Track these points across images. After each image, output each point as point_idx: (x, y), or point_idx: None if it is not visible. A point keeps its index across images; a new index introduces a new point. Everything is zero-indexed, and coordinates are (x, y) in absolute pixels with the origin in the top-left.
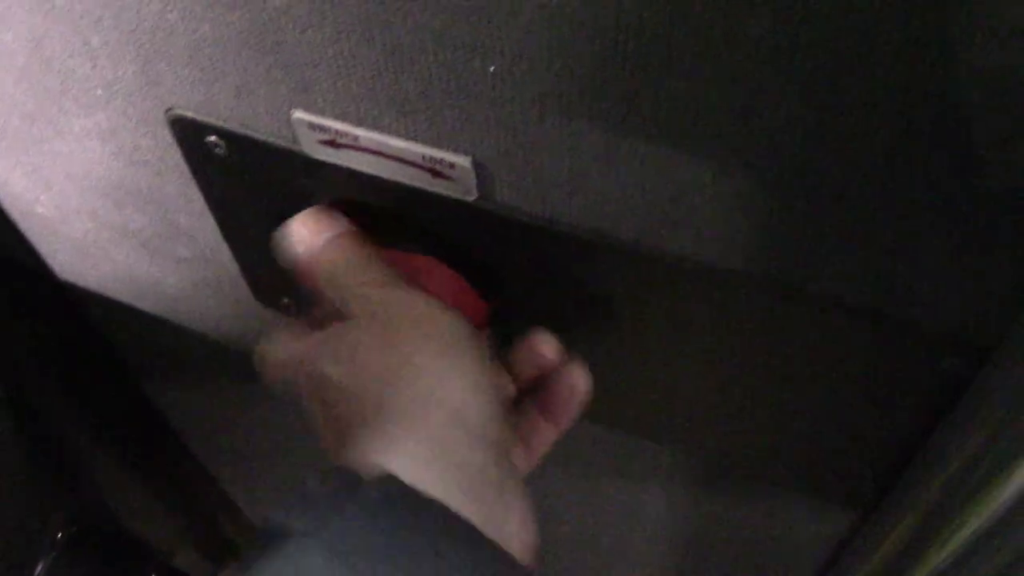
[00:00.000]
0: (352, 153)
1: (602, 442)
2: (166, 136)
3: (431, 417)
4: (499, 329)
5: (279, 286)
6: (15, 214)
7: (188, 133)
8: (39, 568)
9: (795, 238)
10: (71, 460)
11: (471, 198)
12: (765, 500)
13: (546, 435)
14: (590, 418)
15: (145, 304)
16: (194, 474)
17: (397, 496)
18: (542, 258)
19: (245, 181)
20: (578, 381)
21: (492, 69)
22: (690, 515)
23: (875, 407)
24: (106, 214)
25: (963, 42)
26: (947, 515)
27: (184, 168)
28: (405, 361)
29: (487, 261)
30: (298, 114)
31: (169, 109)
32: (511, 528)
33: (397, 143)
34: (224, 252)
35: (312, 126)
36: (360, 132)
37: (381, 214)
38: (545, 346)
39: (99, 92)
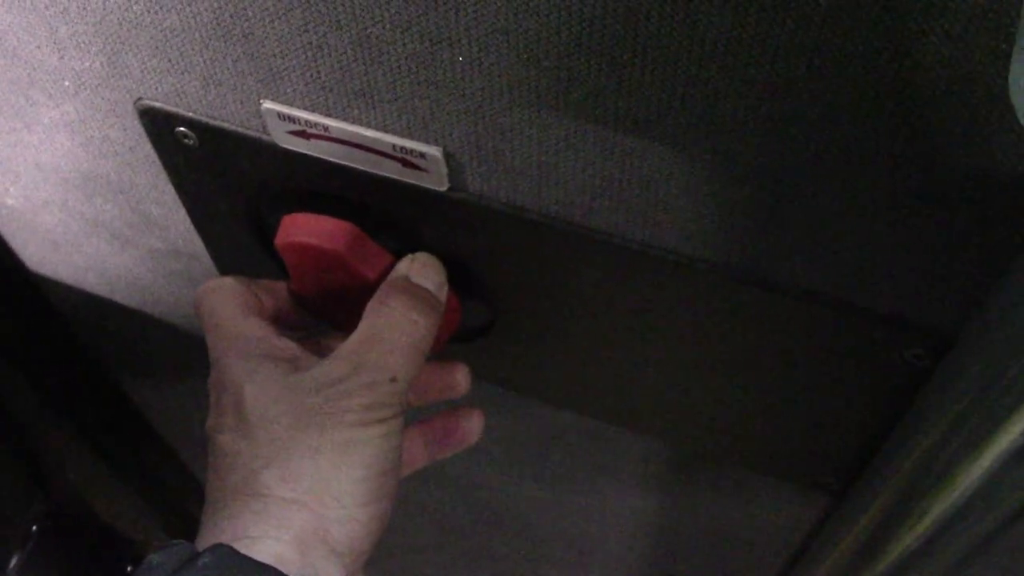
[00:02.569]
0: (322, 143)
1: (575, 434)
2: (135, 127)
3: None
4: (470, 320)
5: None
6: None
7: (157, 124)
8: (14, 561)
9: (760, 229)
10: (44, 453)
11: (442, 188)
12: (736, 489)
13: (418, 462)
14: (563, 405)
15: (117, 296)
16: (167, 464)
17: (231, 561)
18: (514, 247)
19: (215, 172)
20: (476, 428)
21: (460, 59)
22: (664, 505)
23: (841, 396)
24: (76, 205)
25: (917, 40)
26: (912, 502)
27: (154, 159)
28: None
29: (460, 254)
30: (267, 104)
31: (138, 99)
32: None
33: (367, 133)
34: (196, 243)
35: (282, 116)
36: (330, 122)
37: (352, 205)
38: (463, 379)
39: (67, 83)
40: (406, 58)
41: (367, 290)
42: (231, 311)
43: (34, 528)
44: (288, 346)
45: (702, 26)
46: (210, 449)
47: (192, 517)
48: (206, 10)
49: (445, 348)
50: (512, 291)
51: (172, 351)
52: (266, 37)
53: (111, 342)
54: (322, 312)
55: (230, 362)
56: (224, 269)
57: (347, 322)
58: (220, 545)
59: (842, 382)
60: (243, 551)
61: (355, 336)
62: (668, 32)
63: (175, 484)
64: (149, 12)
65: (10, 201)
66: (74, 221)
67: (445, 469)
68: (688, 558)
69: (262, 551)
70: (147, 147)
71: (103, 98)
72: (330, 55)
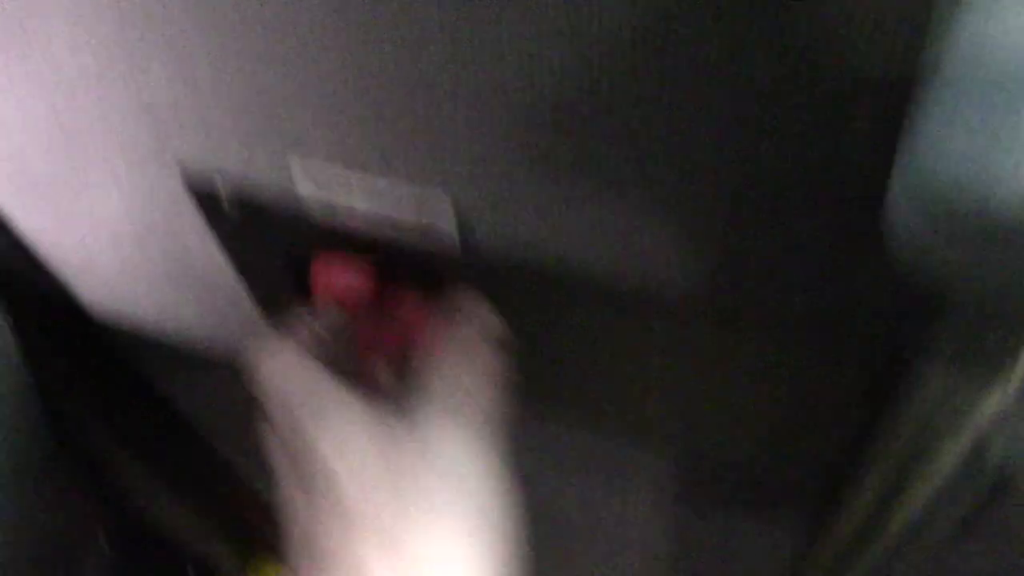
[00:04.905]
0: (345, 194)
1: (579, 449)
2: (179, 187)
3: None
4: None
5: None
6: (49, 256)
7: (197, 183)
8: None
9: (731, 271)
10: (108, 476)
11: (454, 235)
12: (727, 507)
13: None
14: (570, 423)
15: (168, 330)
16: (223, 476)
17: None
18: (520, 291)
19: (251, 222)
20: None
21: (463, 117)
22: (666, 524)
23: (812, 416)
24: (131, 254)
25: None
26: (879, 514)
27: (196, 213)
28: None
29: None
30: (295, 161)
31: (181, 162)
32: None
33: (384, 185)
34: (238, 285)
35: (308, 172)
36: (351, 176)
37: (375, 253)
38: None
39: (118, 147)
40: (416, 116)
41: (392, 325)
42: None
43: (101, 544)
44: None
45: (677, 108)
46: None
47: (250, 524)
48: (237, 85)
49: None
50: (521, 331)
51: (222, 374)
52: (293, 101)
53: (165, 372)
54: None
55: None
56: (265, 308)
57: (375, 353)
58: None
59: (815, 402)
60: None
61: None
62: (651, 111)
63: (229, 491)
64: (187, 88)
65: (71, 251)
66: (128, 268)
67: None
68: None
69: None
70: (189, 203)
71: (150, 162)
72: (350, 113)
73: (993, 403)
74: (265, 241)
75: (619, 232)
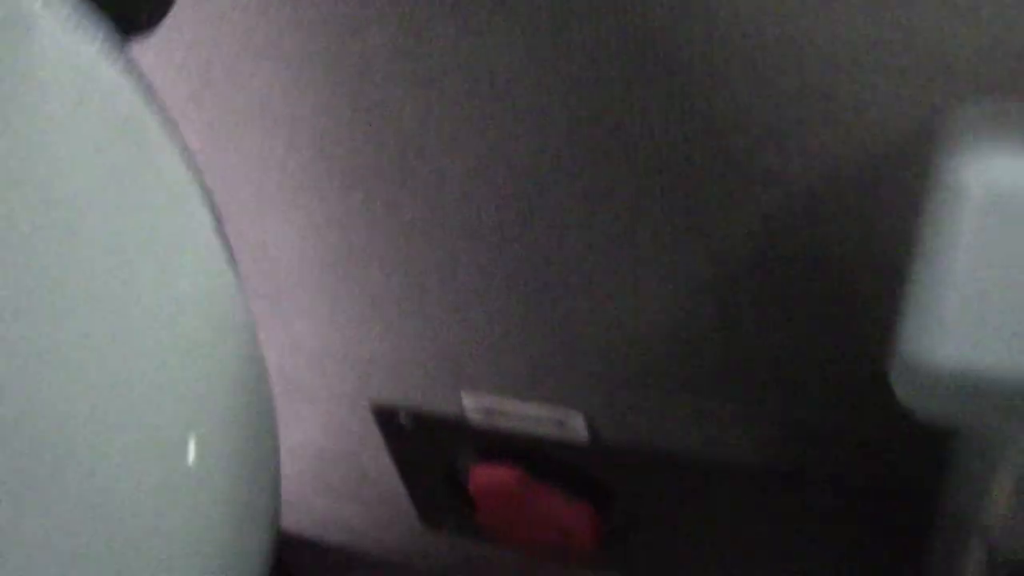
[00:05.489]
0: (501, 417)
1: None
2: (368, 418)
3: None
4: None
5: (444, 515)
6: None
7: (384, 414)
8: None
9: (791, 441)
10: None
11: (584, 441)
12: None
13: None
14: None
15: (332, 540)
16: None
17: None
18: (636, 479)
19: (424, 442)
20: None
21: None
22: None
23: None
24: (314, 475)
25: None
26: None
27: (379, 439)
28: None
29: (600, 488)
30: (465, 394)
31: (372, 399)
32: None
33: (532, 410)
34: (401, 493)
35: (474, 401)
36: (507, 403)
37: (527, 459)
38: None
39: (322, 392)
40: (555, 352)
41: (539, 517)
42: None
43: None
44: None
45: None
46: None
47: None
48: (422, 342)
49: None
50: (639, 505)
51: None
52: (462, 355)
53: None
54: (503, 538)
55: None
56: (423, 513)
57: (522, 542)
58: None
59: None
60: None
61: None
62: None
63: None
64: (392, 350)
65: None
66: (310, 486)
67: None
68: None
69: None
70: (375, 431)
71: (346, 400)
72: (505, 353)
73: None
74: (434, 457)
75: (705, 426)
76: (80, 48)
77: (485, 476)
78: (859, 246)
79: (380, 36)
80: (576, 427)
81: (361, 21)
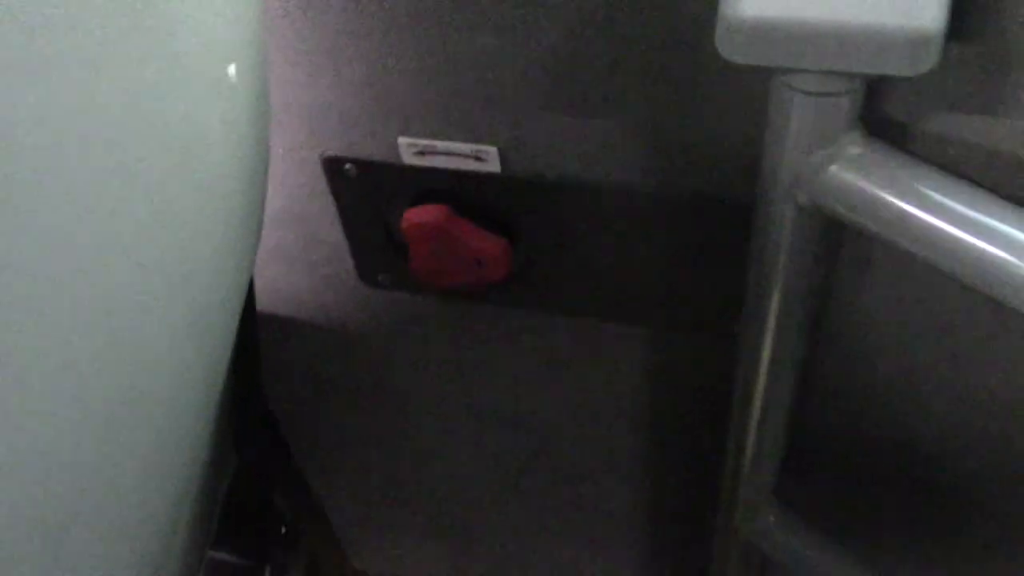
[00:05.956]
0: (431, 157)
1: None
2: (318, 172)
3: None
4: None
5: (381, 268)
6: None
7: (332, 166)
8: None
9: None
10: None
11: (497, 172)
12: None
13: None
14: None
15: (279, 309)
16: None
17: None
18: (549, 208)
19: (365, 190)
20: None
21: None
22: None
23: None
24: (270, 243)
25: None
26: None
27: (326, 191)
28: None
29: (511, 222)
30: (402, 139)
31: (322, 152)
32: None
33: (456, 146)
34: (344, 250)
35: (410, 145)
36: (437, 143)
37: (448, 194)
38: None
39: (279, 150)
40: (480, 92)
41: (461, 251)
42: None
43: None
44: None
45: None
46: None
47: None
48: (367, 87)
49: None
50: (545, 241)
51: (317, 360)
52: (404, 103)
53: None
54: (431, 278)
55: None
56: (361, 269)
57: (449, 283)
58: None
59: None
60: None
61: None
62: None
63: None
64: (335, 94)
65: None
66: (267, 253)
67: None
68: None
69: None
70: (322, 184)
71: (300, 157)
72: (436, 101)
73: None
74: (372, 204)
75: (590, 148)
76: None
77: (416, 215)
78: None
79: None
80: (491, 159)
81: None
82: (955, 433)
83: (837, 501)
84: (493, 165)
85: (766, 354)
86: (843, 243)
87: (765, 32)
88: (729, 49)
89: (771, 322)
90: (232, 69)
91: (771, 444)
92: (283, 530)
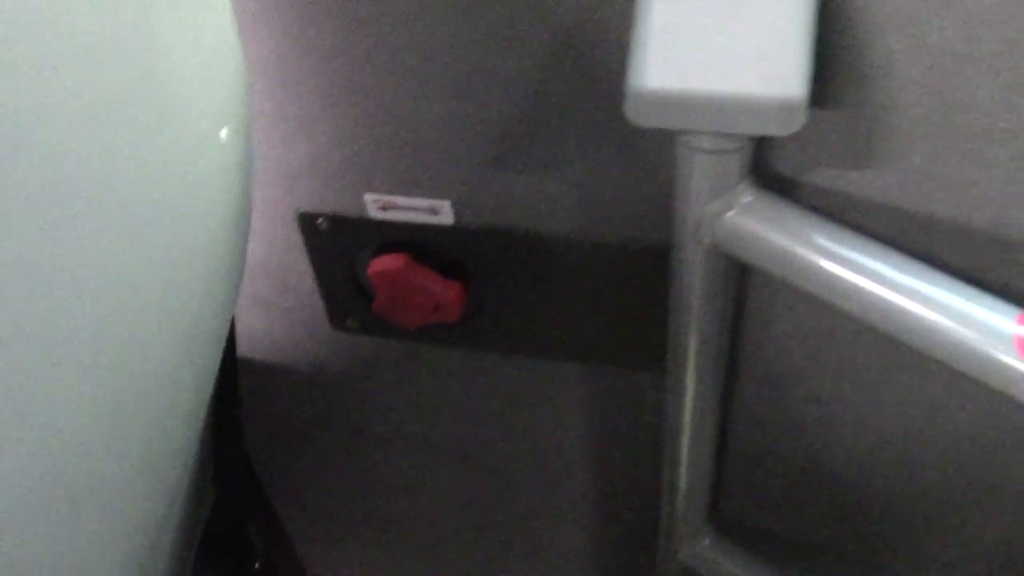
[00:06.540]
0: (394, 211)
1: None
2: (293, 226)
3: None
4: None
5: (349, 313)
6: None
7: (306, 221)
8: None
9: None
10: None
11: (451, 224)
12: None
13: None
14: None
15: (255, 352)
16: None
17: None
18: (498, 256)
19: (335, 242)
20: None
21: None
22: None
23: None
24: (247, 291)
25: None
26: None
27: (299, 244)
28: None
29: (465, 269)
30: (368, 195)
31: (297, 208)
32: None
33: (415, 201)
34: (316, 297)
35: (375, 200)
36: (398, 199)
37: (409, 245)
38: None
39: (259, 206)
40: (429, 152)
41: (420, 294)
42: None
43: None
44: None
45: None
46: None
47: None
48: (336, 153)
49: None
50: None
51: (293, 398)
52: (369, 163)
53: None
54: (394, 319)
55: None
56: (331, 313)
57: (410, 323)
58: None
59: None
60: None
61: None
62: None
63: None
64: (310, 156)
65: None
66: (244, 299)
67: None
68: None
69: None
70: (297, 236)
71: (278, 213)
72: (392, 161)
73: None
74: (341, 255)
75: (538, 203)
76: None
77: (380, 263)
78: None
79: None
80: (446, 212)
81: None
82: (860, 457)
83: (769, 524)
84: (447, 218)
85: (690, 385)
86: (751, 280)
87: (665, 101)
88: (636, 115)
89: (691, 355)
90: (224, 132)
91: (702, 471)
92: (256, 565)
